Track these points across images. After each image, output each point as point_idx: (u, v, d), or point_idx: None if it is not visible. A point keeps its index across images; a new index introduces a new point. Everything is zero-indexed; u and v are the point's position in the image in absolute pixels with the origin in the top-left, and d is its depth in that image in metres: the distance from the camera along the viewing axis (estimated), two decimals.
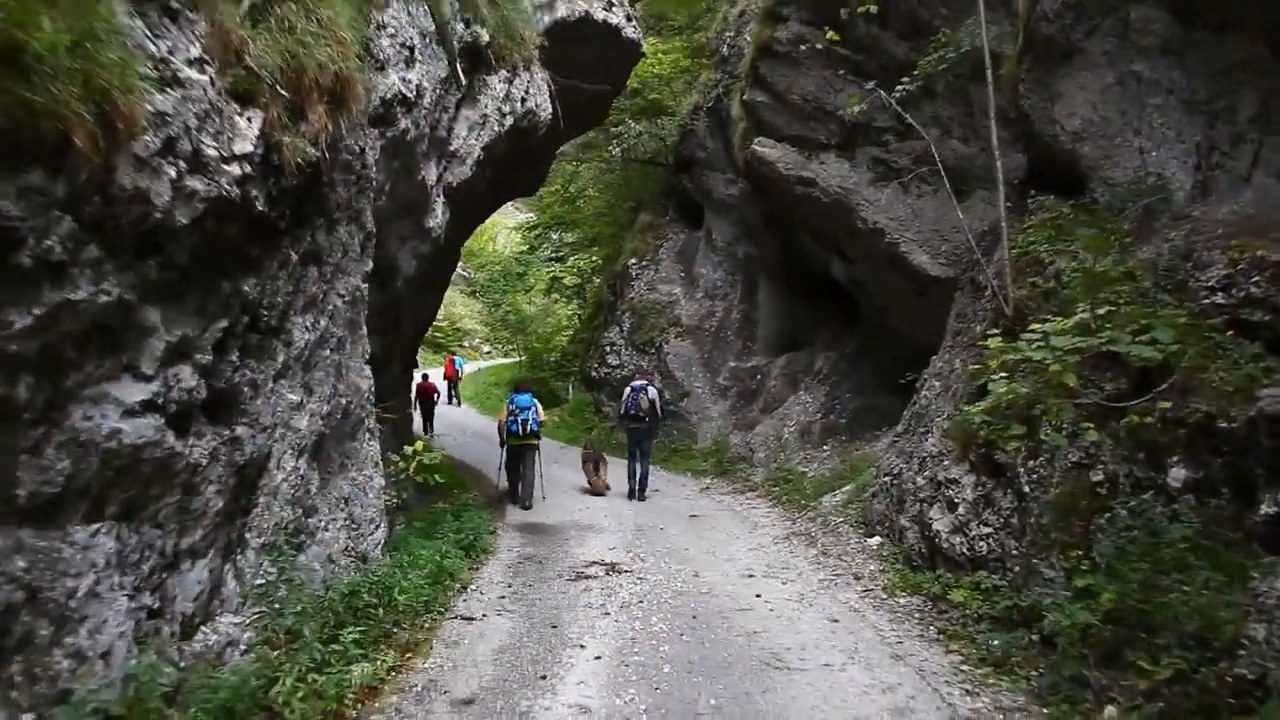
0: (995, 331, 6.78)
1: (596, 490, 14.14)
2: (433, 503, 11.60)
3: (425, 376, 21.76)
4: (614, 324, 21.45)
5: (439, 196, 9.44)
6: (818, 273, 17.31)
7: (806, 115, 13.75)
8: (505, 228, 42.14)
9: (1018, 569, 6.70)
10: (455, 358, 30.33)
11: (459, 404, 28.87)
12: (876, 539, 9.55)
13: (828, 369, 16.79)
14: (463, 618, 7.28)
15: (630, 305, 21.04)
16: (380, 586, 6.62)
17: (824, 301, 17.72)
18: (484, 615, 7.38)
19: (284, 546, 5.70)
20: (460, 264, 45.04)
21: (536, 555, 9.75)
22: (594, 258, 27.98)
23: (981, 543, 7.17)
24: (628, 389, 14.14)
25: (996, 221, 9.99)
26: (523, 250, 37.07)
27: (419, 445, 7.91)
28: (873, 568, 8.78)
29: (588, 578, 8.71)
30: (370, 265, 7.33)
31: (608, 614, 7.44)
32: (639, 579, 8.64)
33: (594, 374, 21.43)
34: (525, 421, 12.71)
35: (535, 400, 13.14)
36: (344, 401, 6.71)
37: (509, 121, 10.27)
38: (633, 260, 21.72)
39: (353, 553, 6.83)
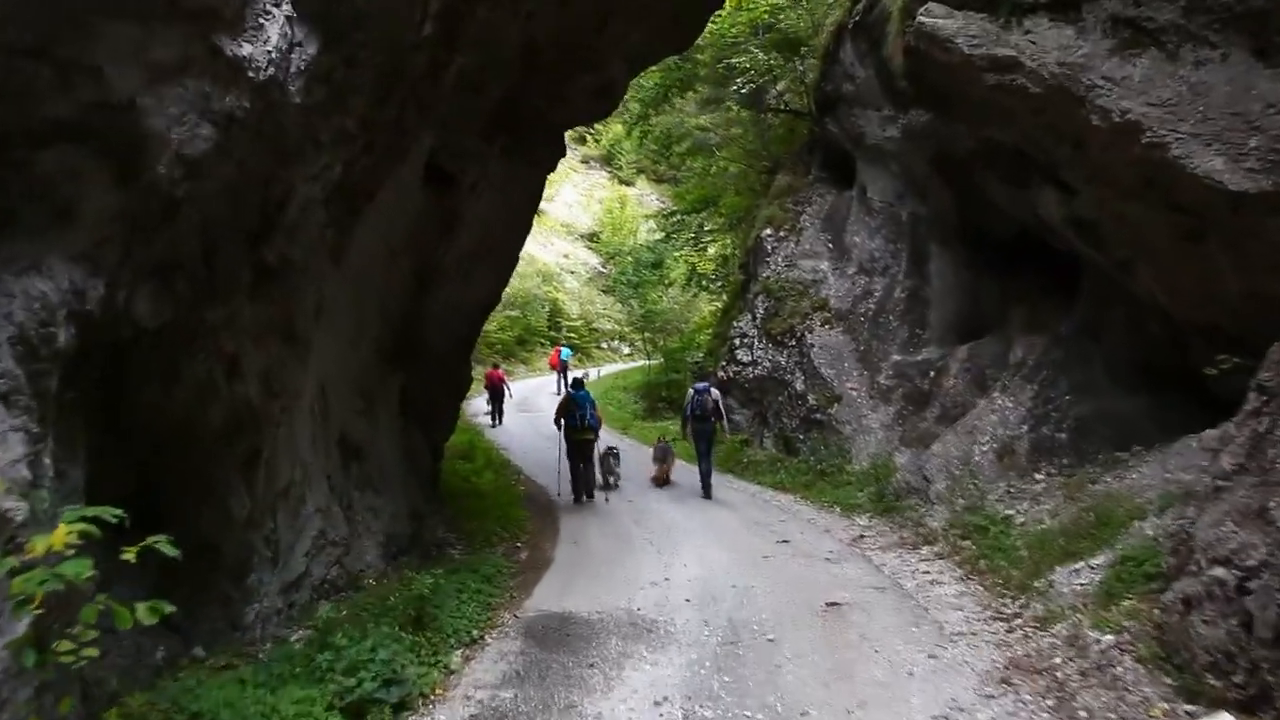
0: None
1: (658, 481, 13.99)
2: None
3: (495, 365, 22.58)
4: (745, 310, 16.33)
5: (275, 3, 4.73)
6: (1012, 231, 11.80)
7: None
8: (644, 217, 37.42)
9: None
10: (561, 348, 29.35)
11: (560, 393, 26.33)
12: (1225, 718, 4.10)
13: (1033, 360, 10.92)
14: None
15: (764, 286, 15.86)
16: None
17: (1021, 268, 12.11)
18: None
19: None
20: (600, 261, 41.15)
21: (505, 717, 4.89)
22: (729, 242, 22.73)
23: None
24: (691, 390, 13.33)
25: None
26: (658, 239, 32.12)
27: (57, 536, 3.16)
28: None
29: None
30: None
31: None
32: None
33: (722, 373, 16.17)
34: (583, 416, 12.87)
35: (592, 397, 13.42)
36: None
37: None
38: (768, 231, 16.50)
39: None
